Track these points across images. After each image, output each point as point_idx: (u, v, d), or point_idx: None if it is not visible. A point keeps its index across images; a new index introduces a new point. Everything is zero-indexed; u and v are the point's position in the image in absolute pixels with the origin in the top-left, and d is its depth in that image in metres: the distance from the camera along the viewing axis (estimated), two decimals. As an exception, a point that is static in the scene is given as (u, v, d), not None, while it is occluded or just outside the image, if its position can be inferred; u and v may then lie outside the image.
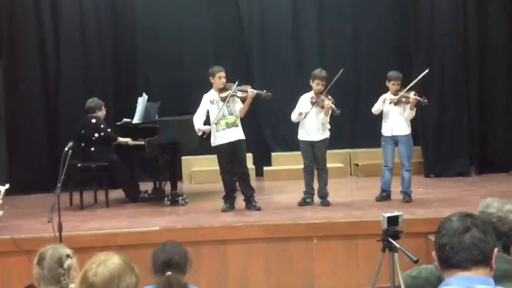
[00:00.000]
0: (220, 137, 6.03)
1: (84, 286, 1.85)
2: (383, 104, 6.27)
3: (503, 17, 8.12)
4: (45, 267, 2.70)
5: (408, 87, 6.21)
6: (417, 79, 6.28)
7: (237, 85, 6.03)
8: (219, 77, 6.04)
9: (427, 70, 6.27)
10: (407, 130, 6.30)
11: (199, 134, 6.05)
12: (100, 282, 1.84)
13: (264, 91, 6.07)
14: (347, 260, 5.40)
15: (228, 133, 6.02)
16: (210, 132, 6.03)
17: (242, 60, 8.56)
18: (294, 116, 6.27)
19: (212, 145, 6.11)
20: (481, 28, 8.12)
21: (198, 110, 6.12)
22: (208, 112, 6.08)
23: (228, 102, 6.01)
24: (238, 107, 6.09)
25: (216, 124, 6.02)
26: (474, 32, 8.09)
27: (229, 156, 6.07)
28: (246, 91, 6.03)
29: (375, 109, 6.38)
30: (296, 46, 8.71)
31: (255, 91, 6.03)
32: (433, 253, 1.88)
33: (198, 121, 6.07)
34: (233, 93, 6.00)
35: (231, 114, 6.04)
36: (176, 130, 6.54)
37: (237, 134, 6.06)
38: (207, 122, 6.11)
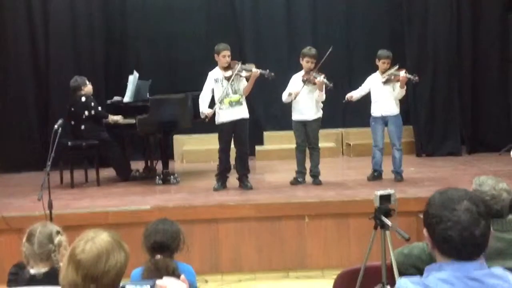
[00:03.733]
0: (222, 115, 5.98)
1: (72, 263, 1.83)
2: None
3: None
4: (35, 243, 2.68)
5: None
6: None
7: (241, 64, 5.97)
8: (223, 56, 5.96)
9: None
10: (396, 110, 6.29)
11: (202, 117, 5.99)
12: (88, 259, 1.81)
13: (267, 70, 6.01)
14: (338, 239, 5.42)
15: (231, 112, 5.97)
16: (213, 114, 5.96)
17: (234, 39, 8.46)
18: (284, 97, 6.24)
19: (216, 123, 6.07)
20: (474, 7, 8.07)
21: (204, 88, 6.04)
22: (213, 91, 6.02)
23: (232, 80, 5.95)
24: (243, 85, 6.03)
25: (220, 102, 5.96)
26: (467, 11, 8.04)
27: (230, 135, 6.04)
28: (250, 70, 5.97)
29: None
30: (289, 25, 8.62)
31: (259, 71, 5.96)
32: (425, 233, 1.82)
33: (203, 102, 6.00)
34: (237, 72, 5.94)
35: (235, 92, 5.99)
36: (167, 109, 6.48)
37: (241, 112, 6.00)
38: (212, 101, 6.06)
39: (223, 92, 5.94)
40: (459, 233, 1.71)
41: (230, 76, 5.92)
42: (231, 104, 5.97)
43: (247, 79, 5.99)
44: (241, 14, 8.54)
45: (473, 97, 8.14)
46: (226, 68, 5.98)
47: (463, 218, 1.72)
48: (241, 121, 6.01)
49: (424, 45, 8.00)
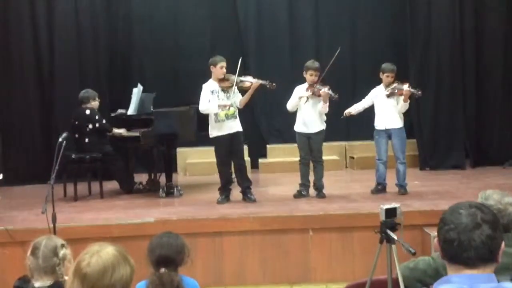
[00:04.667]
0: (219, 129, 5.99)
1: (78, 277, 1.82)
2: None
3: (500, 8, 8.10)
4: (40, 256, 2.67)
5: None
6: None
7: (238, 75, 5.98)
8: (220, 67, 5.98)
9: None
10: (399, 123, 6.29)
11: (222, 109, 5.90)
12: (94, 272, 1.81)
13: (268, 81, 6.01)
14: (342, 252, 5.39)
15: (228, 125, 5.98)
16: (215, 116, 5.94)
17: (238, 50, 8.50)
18: (290, 104, 6.21)
19: (211, 136, 6.07)
20: (478, 20, 8.09)
21: (202, 100, 6.00)
22: (209, 102, 6.02)
23: (228, 92, 5.96)
24: (238, 98, 6.04)
25: (215, 115, 5.97)
26: (471, 24, 8.06)
27: (227, 148, 6.03)
28: (250, 82, 5.98)
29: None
30: (292, 36, 8.67)
31: (260, 81, 5.98)
32: (435, 242, 1.83)
33: (209, 105, 5.94)
34: (237, 84, 5.94)
35: (231, 106, 6.00)
36: (171, 122, 6.49)
37: (236, 126, 6.02)
38: (205, 116, 6.05)
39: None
40: (457, 236, 1.73)
41: (228, 87, 5.92)
42: (227, 117, 5.97)
43: (246, 90, 6.00)
44: (245, 27, 8.58)
45: (477, 110, 8.13)
46: (222, 80, 5.99)
47: (463, 221, 1.74)
48: (237, 134, 6.02)
49: (428, 57, 8.01)
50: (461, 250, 1.73)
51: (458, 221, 1.75)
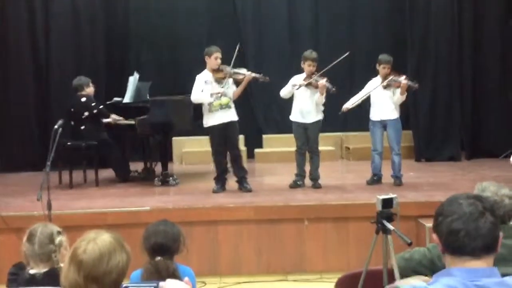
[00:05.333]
0: (212, 118, 5.98)
1: (74, 264, 1.82)
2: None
3: (498, 2, 8.09)
4: (36, 243, 2.67)
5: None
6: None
7: (232, 67, 5.96)
8: (215, 58, 5.95)
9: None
10: (395, 114, 6.28)
11: (214, 98, 5.89)
12: (90, 259, 1.80)
13: (261, 74, 6.00)
14: (337, 243, 5.41)
15: (221, 114, 5.97)
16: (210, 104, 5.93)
17: (235, 40, 8.44)
18: (284, 91, 6.18)
19: (205, 126, 6.07)
20: (476, 12, 8.08)
21: (194, 90, 6.01)
22: (202, 91, 6.01)
23: (222, 83, 5.94)
24: (232, 89, 6.04)
25: (209, 104, 5.96)
26: (469, 16, 8.04)
27: (221, 137, 6.02)
28: (244, 74, 5.97)
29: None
30: (291, 28, 8.63)
31: (253, 74, 5.96)
32: (434, 237, 1.80)
33: (201, 94, 5.94)
34: (231, 75, 5.93)
35: (224, 95, 5.98)
36: (167, 110, 6.47)
37: (230, 115, 6.00)
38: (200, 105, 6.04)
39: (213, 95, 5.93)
40: (464, 225, 1.71)
41: (222, 78, 5.91)
42: (221, 106, 5.96)
43: (239, 82, 5.98)
44: (243, 17, 8.54)
45: (473, 102, 8.14)
46: (216, 71, 5.97)
47: (468, 210, 1.72)
48: (231, 123, 6.00)
49: (425, 49, 8.00)
50: (469, 240, 1.70)
51: (461, 211, 1.73)
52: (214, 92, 5.93)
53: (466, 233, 1.70)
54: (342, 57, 6.08)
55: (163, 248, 2.99)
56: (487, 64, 8.13)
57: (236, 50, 5.96)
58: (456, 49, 7.98)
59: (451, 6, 7.96)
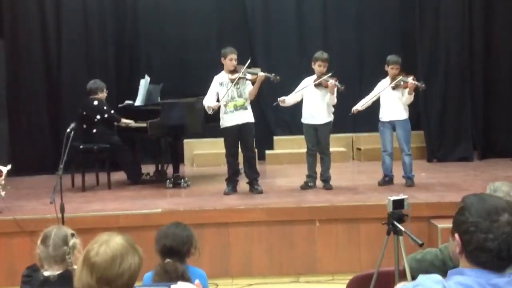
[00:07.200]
0: (227, 119, 6.00)
1: (86, 266, 1.84)
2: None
3: (509, 0, 8.03)
4: (50, 245, 2.69)
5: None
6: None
7: (246, 67, 5.98)
8: (230, 59, 5.98)
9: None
10: (404, 114, 6.27)
11: (209, 112, 5.98)
12: (102, 261, 1.82)
13: (273, 74, 6.01)
14: (348, 244, 5.40)
15: (236, 116, 5.98)
16: (218, 110, 5.96)
17: (245, 42, 8.49)
18: (289, 99, 6.24)
19: (221, 127, 6.09)
20: (487, 13, 8.03)
21: (209, 92, 6.06)
22: (218, 94, 6.03)
23: (237, 84, 5.96)
24: (248, 89, 6.04)
25: (224, 106, 5.98)
26: (480, 17, 8.00)
27: (236, 139, 6.04)
28: (256, 74, 5.98)
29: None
30: (300, 29, 8.63)
31: (264, 74, 5.98)
32: (456, 236, 1.75)
33: (208, 102, 6.01)
34: (242, 76, 5.95)
35: (240, 96, 5.99)
36: (178, 113, 6.49)
37: (246, 117, 6.01)
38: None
39: (228, 96, 5.95)
40: (498, 246, 1.67)
41: (235, 78, 5.93)
42: (235, 108, 5.97)
43: (253, 82, 6.00)
44: (252, 18, 8.56)
45: (485, 102, 8.09)
46: (232, 72, 5.99)
47: (506, 231, 1.67)
48: (246, 125, 6.01)
49: (436, 49, 7.97)
50: (498, 260, 1.67)
51: (499, 231, 1.67)
52: (211, 105, 5.94)
53: (497, 253, 1.67)
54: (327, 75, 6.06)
55: (172, 251, 3.01)
56: (498, 63, 8.07)
57: (249, 60, 5.99)
58: (466, 49, 7.94)
59: (462, 5, 7.92)
